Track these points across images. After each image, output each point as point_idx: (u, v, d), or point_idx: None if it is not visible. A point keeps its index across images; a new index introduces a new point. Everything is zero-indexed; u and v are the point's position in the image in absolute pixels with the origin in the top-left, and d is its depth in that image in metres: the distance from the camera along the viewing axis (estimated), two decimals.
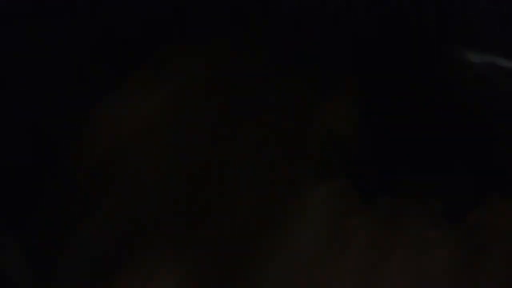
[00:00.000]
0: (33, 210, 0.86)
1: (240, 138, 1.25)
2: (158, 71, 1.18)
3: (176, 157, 1.07)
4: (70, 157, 0.95)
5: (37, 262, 0.83)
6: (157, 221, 0.91)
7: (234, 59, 1.36)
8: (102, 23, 1.10)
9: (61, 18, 0.97)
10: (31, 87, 1.00)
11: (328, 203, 1.14)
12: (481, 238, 1.07)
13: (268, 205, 1.13)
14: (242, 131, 1.25)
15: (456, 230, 1.08)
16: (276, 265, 1.01)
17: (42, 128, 0.93)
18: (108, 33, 1.09)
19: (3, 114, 0.92)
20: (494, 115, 0.93)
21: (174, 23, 1.20)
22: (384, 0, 0.96)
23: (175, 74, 1.23)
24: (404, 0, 0.98)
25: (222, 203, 1.18)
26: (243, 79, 1.33)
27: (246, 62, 1.40)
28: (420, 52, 0.93)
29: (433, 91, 0.96)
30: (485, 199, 1.16)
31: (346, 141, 1.19)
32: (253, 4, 1.02)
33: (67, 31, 1.01)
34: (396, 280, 1.08)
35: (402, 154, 1.17)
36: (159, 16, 1.17)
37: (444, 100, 0.95)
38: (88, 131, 1.07)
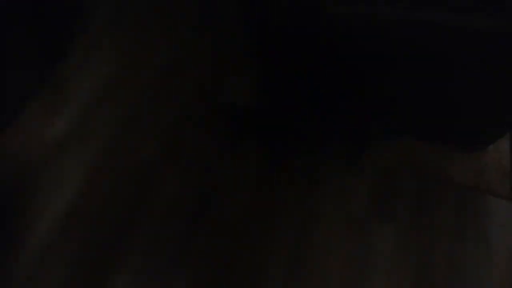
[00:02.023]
0: None
1: (151, 124, 1.26)
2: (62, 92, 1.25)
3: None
4: None
5: None
6: None
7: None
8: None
9: None
10: None
11: (248, 171, 1.18)
12: (388, 174, 1.15)
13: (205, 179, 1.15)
14: (154, 120, 1.26)
15: (369, 174, 1.15)
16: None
17: None
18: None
19: None
20: (390, 61, 0.98)
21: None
22: None
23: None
24: None
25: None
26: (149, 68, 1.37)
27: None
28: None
29: (319, 49, 0.99)
30: (385, 138, 1.23)
31: (251, 111, 1.25)
32: None
33: None
34: (328, 230, 1.13)
35: (303, 111, 1.22)
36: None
37: (334, 54, 1.00)
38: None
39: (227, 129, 1.34)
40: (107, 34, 1.57)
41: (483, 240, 1.14)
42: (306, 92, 1.14)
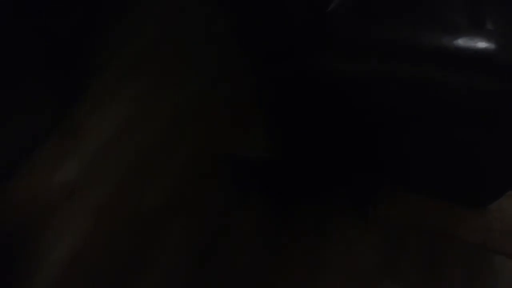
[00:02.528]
0: None
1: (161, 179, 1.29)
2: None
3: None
4: None
5: None
6: None
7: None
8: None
9: None
10: None
11: (253, 224, 1.19)
12: (396, 231, 1.16)
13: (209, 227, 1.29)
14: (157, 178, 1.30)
15: (373, 227, 1.16)
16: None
17: None
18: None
19: None
20: (385, 118, 1.02)
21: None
22: None
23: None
24: None
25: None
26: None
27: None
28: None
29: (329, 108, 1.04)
30: (392, 194, 1.25)
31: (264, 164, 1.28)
32: None
33: None
34: (335, 281, 1.13)
35: (313, 164, 1.26)
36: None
37: (342, 111, 1.06)
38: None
39: (234, 181, 1.35)
40: (121, 81, 1.61)
41: None
42: (316, 145, 1.17)
